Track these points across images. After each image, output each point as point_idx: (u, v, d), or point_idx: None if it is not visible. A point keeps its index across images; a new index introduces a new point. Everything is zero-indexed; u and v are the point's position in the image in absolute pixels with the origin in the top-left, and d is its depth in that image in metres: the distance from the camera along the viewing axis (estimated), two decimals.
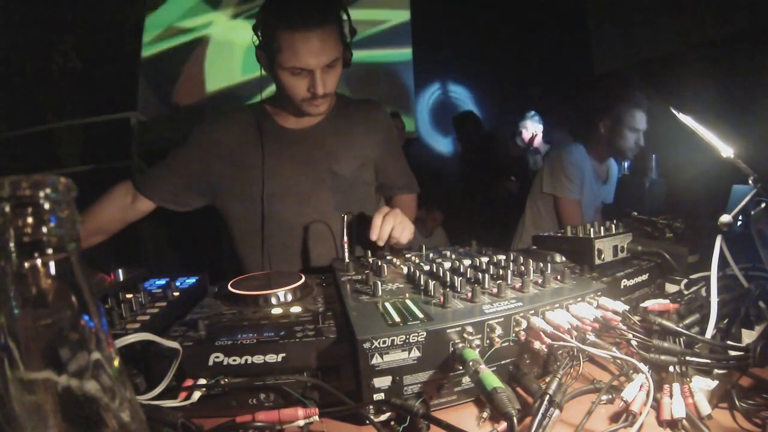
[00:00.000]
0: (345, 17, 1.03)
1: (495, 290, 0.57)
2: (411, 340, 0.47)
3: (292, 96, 1.02)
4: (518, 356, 0.54)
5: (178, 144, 1.12)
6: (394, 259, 0.77)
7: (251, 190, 1.07)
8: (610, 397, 0.51)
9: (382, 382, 0.47)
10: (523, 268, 0.65)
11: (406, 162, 1.29)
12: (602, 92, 1.90)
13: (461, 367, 0.48)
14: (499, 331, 0.51)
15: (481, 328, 0.50)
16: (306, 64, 0.96)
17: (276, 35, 0.95)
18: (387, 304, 0.54)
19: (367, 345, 0.46)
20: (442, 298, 0.54)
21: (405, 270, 0.70)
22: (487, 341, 0.51)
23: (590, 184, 1.87)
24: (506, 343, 0.52)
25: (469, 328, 0.49)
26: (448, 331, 0.49)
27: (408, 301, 0.55)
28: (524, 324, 0.52)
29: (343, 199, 1.10)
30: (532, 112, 3.00)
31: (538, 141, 2.96)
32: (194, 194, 1.11)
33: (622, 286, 0.72)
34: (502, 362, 0.53)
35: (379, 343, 0.46)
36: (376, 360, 0.46)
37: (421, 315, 0.50)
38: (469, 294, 0.55)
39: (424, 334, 0.47)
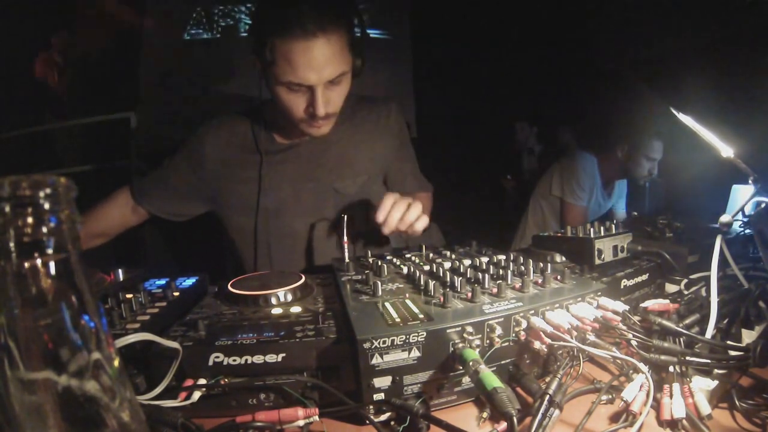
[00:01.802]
0: (356, 21, 0.87)
1: (495, 290, 0.57)
2: (411, 340, 0.47)
3: (288, 115, 0.90)
4: (518, 356, 0.54)
5: (173, 152, 1.07)
6: (394, 259, 0.77)
7: (249, 205, 1.03)
8: (610, 397, 0.51)
9: (382, 382, 0.47)
10: (523, 268, 0.65)
11: (417, 164, 1.20)
12: (624, 119, 1.92)
13: (461, 367, 0.48)
14: (499, 331, 0.51)
15: (481, 328, 0.50)
16: (305, 80, 0.81)
17: (270, 43, 0.79)
18: (387, 304, 0.54)
19: (367, 345, 0.46)
20: (442, 298, 0.53)
21: (405, 270, 0.70)
22: (487, 341, 0.51)
23: (597, 197, 1.90)
24: (506, 343, 0.52)
25: (469, 328, 0.49)
26: (448, 331, 0.49)
27: (408, 301, 0.55)
28: (524, 324, 0.52)
29: (348, 216, 0.96)
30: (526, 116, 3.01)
31: (532, 141, 2.97)
32: (191, 203, 1.09)
33: (622, 286, 0.72)
34: (502, 362, 0.53)
35: (379, 343, 0.46)
36: (376, 360, 0.46)
37: (421, 315, 0.50)
38: (469, 294, 0.55)
39: (424, 334, 0.47)
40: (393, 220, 0.79)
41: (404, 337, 0.46)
